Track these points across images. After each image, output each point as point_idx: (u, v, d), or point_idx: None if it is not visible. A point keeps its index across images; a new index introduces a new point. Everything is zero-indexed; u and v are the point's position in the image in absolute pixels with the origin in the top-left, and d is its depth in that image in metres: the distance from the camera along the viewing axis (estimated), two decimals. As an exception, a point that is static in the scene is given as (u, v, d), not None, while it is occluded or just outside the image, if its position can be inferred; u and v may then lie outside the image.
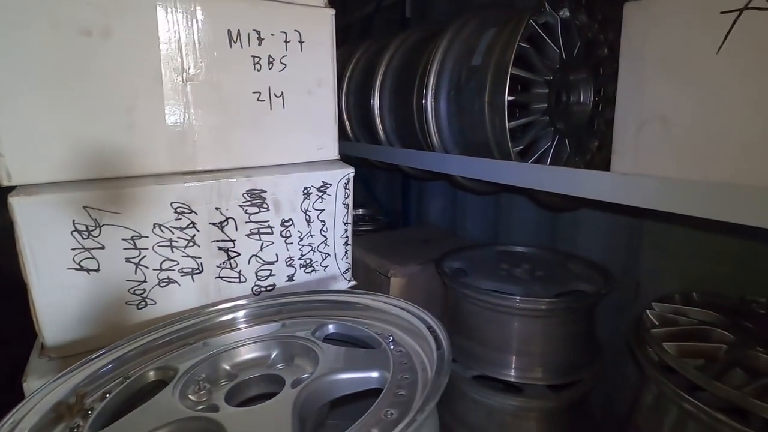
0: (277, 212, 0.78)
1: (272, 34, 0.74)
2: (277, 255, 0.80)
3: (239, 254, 0.76)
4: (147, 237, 0.68)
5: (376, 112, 1.49)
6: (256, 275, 0.79)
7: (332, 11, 0.80)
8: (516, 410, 1.23)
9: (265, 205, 0.77)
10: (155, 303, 0.70)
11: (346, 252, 0.88)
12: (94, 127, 0.64)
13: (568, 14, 1.08)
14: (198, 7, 0.67)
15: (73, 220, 0.62)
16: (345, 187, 0.84)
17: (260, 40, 0.73)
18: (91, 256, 0.64)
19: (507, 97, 0.99)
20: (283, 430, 0.42)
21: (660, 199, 0.71)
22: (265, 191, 0.76)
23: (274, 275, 0.80)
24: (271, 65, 0.75)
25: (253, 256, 0.78)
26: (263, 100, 0.76)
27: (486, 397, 1.24)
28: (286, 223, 0.79)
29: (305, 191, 0.80)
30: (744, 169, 0.63)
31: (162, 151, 0.69)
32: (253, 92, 0.75)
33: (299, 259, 0.82)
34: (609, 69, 1.14)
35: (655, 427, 0.89)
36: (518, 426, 1.25)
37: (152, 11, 0.64)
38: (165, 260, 0.70)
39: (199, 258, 0.73)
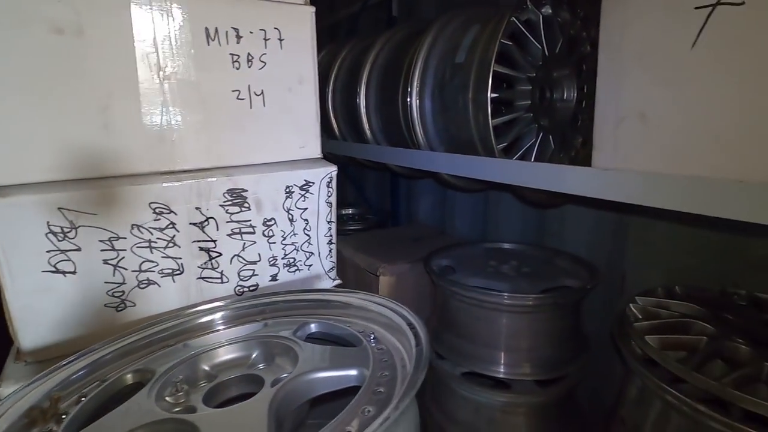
0: (259, 211, 0.77)
1: (251, 32, 0.73)
2: (259, 255, 0.79)
3: (221, 254, 0.76)
4: (125, 238, 0.67)
5: (363, 110, 1.48)
6: (239, 275, 0.78)
7: (312, 8, 0.80)
8: (504, 406, 1.23)
9: (246, 205, 0.76)
10: (135, 305, 0.69)
11: (330, 251, 0.87)
12: (68, 126, 0.63)
13: (550, 11, 1.09)
14: (174, 5, 0.67)
15: (48, 222, 0.61)
16: (328, 186, 0.84)
17: (239, 38, 0.72)
18: (67, 258, 0.63)
19: (490, 94, 0.99)
20: (259, 431, 0.41)
21: (639, 194, 0.71)
22: (247, 190, 0.75)
23: (257, 275, 0.80)
24: (250, 63, 0.74)
25: (235, 256, 0.77)
26: (243, 99, 0.75)
27: (474, 394, 1.24)
28: (268, 223, 0.79)
29: (287, 190, 0.79)
30: (719, 163, 0.64)
31: (139, 150, 0.68)
32: (233, 91, 0.74)
33: (282, 258, 0.82)
34: (592, 65, 1.15)
35: (639, 420, 0.90)
36: (507, 421, 1.26)
37: (126, 9, 0.63)
38: (144, 261, 0.69)
39: (180, 259, 0.72)
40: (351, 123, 1.61)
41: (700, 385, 0.71)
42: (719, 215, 0.61)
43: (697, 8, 0.62)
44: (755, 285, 1.00)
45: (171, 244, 0.70)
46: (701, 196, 0.64)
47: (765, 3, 0.56)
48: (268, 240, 0.79)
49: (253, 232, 0.78)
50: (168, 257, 0.71)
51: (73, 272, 0.64)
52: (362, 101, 1.48)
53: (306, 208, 0.82)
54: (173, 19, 0.67)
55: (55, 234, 0.62)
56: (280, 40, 0.76)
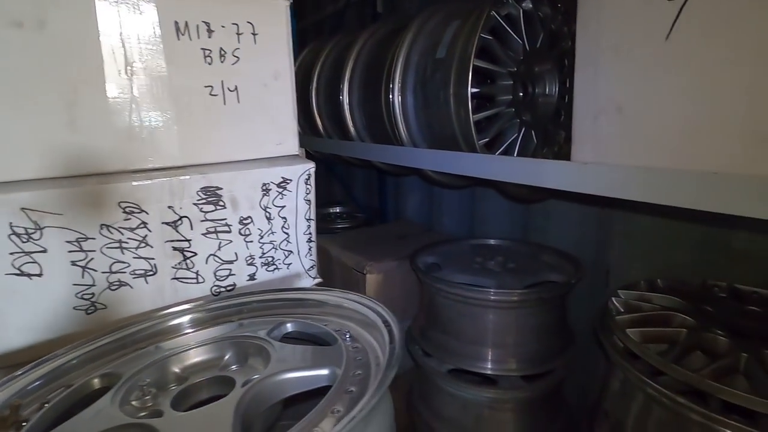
0: (235, 210, 0.76)
1: (223, 26, 0.72)
2: (236, 254, 0.78)
3: (196, 254, 0.74)
4: (93, 239, 0.65)
5: (346, 107, 1.47)
6: (215, 275, 0.76)
7: (287, 2, 0.78)
8: (491, 402, 1.23)
9: (221, 203, 0.74)
10: (106, 307, 0.68)
11: (309, 249, 0.86)
12: (30, 124, 0.60)
13: (530, 6, 1.08)
14: (141, -2, 0.65)
15: (10, 223, 0.59)
16: (306, 183, 0.82)
17: (210, 32, 0.71)
18: (32, 260, 0.61)
19: (470, 89, 0.98)
20: (224, 434, 0.40)
21: (617, 187, 0.71)
22: (221, 188, 0.74)
23: (234, 275, 0.78)
24: (223, 58, 0.73)
25: (210, 255, 0.75)
26: (216, 95, 0.73)
27: (461, 391, 1.24)
28: (244, 221, 0.77)
29: (264, 187, 0.78)
30: (695, 155, 0.64)
31: (107, 148, 0.66)
32: (205, 86, 0.72)
33: (260, 257, 0.80)
34: (573, 60, 1.15)
35: (622, 413, 0.90)
36: (494, 417, 1.26)
37: (90, 2, 0.61)
38: (115, 262, 0.67)
39: (153, 259, 0.70)
40: (335, 120, 1.60)
41: (679, 377, 0.72)
42: (694, 207, 0.61)
43: (670, 0, 0.62)
44: (736, 277, 1.01)
45: (143, 245, 0.69)
46: (677, 189, 0.63)
47: (736, -7, 0.56)
48: (245, 239, 0.78)
49: (230, 231, 0.76)
50: (140, 258, 0.69)
51: (39, 275, 0.62)
52: (345, 98, 1.46)
53: (284, 206, 0.81)
54: (141, 13, 0.65)
55: (18, 235, 0.60)
56: (254, 34, 0.74)
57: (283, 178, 0.80)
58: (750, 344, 0.74)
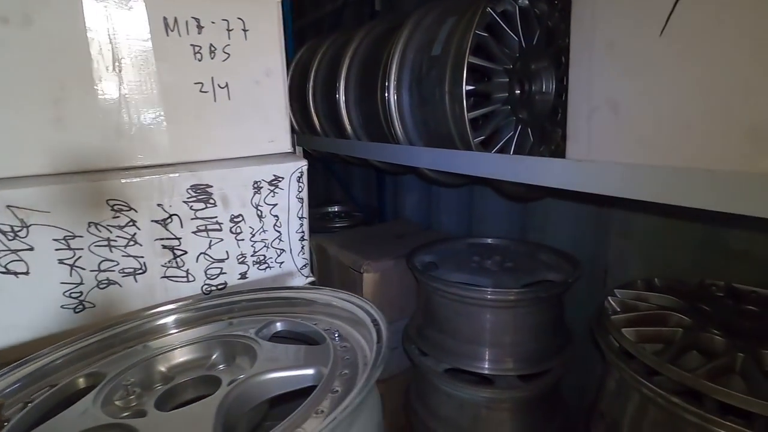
0: (226, 208, 0.75)
1: (213, 22, 0.71)
2: (227, 252, 0.77)
3: (186, 252, 0.73)
4: (81, 236, 0.64)
5: (342, 105, 1.46)
6: (206, 274, 0.76)
7: (278, -1, 0.78)
8: (488, 402, 1.23)
9: (212, 201, 0.74)
10: (94, 306, 0.67)
11: (302, 247, 0.85)
12: (17, 120, 0.60)
13: (527, 2, 1.07)
14: (129, -6, 0.64)
15: (-4, 221, 0.58)
16: (298, 181, 0.82)
17: (200, 28, 0.70)
18: (18, 258, 0.61)
19: (465, 87, 0.98)
20: (205, 434, 0.39)
21: (612, 185, 0.70)
22: (212, 186, 0.73)
23: (225, 273, 0.78)
24: (213, 55, 0.72)
25: (201, 254, 0.75)
26: (206, 91, 0.73)
27: (458, 390, 1.23)
28: (235, 219, 0.77)
29: (255, 185, 0.77)
30: (689, 152, 0.63)
31: (95, 145, 0.66)
32: (195, 83, 0.72)
33: (252, 255, 0.80)
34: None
35: (617, 413, 0.89)
36: (491, 417, 1.25)
37: (77, -3, 0.61)
38: (103, 261, 0.67)
39: (142, 257, 0.70)
40: (332, 118, 1.59)
41: (674, 377, 0.71)
42: (689, 205, 0.60)
43: (665, -6, 0.61)
44: (735, 276, 1.00)
45: (132, 243, 0.68)
46: (672, 187, 0.62)
47: (731, -12, 0.55)
48: (236, 237, 0.77)
49: (220, 229, 0.75)
50: (129, 256, 0.68)
51: (26, 273, 0.61)
52: (342, 96, 1.46)
53: (276, 204, 0.80)
54: (129, 9, 0.65)
55: (4, 233, 0.59)
56: (245, 30, 0.74)
57: (274, 175, 0.79)
58: (747, 344, 0.73)
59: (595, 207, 1.31)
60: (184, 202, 0.71)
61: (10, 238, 0.59)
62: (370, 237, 1.85)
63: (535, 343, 1.21)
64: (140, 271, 0.70)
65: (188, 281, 0.74)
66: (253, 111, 0.78)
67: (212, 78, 0.73)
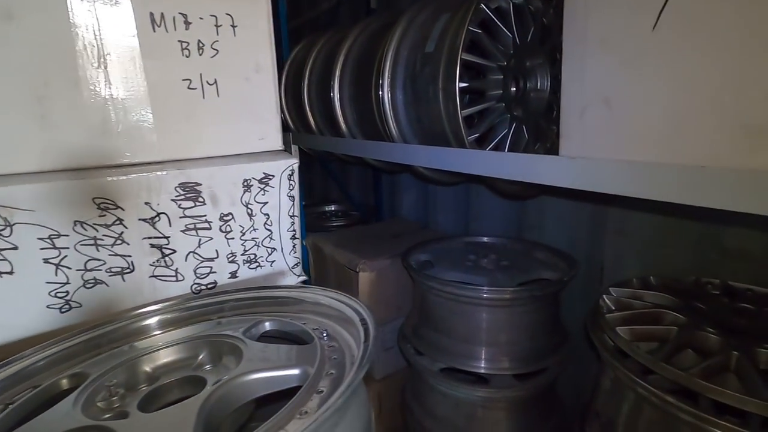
0: (215, 206, 0.74)
1: (201, 18, 0.70)
2: (217, 251, 0.76)
3: (175, 251, 0.72)
4: (67, 235, 0.63)
5: (337, 103, 1.45)
6: (195, 273, 0.75)
7: (268, -6, 0.77)
8: (483, 401, 1.22)
9: (200, 199, 0.73)
10: (81, 306, 0.66)
11: (294, 246, 0.84)
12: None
13: (521, -1, 1.06)
14: (115, -11, 0.63)
15: (-21, 220, 0.58)
16: (289, 179, 0.81)
17: (187, 24, 0.69)
18: (2, 257, 0.60)
19: (459, 84, 0.97)
20: (185, 436, 0.39)
21: (606, 182, 0.69)
22: (200, 184, 0.72)
23: (215, 272, 0.77)
24: (201, 51, 0.71)
25: (190, 252, 0.74)
26: (195, 88, 0.72)
27: (453, 390, 1.23)
28: (225, 218, 0.76)
29: (245, 183, 0.76)
30: (682, 148, 0.62)
31: (81, 143, 0.65)
32: (183, 80, 0.71)
33: (242, 254, 0.79)
34: (565, 54, 1.13)
35: (612, 412, 0.88)
36: (486, 417, 1.24)
37: (61, -8, 0.60)
38: (90, 260, 0.66)
39: (129, 256, 0.69)
40: (327, 117, 1.58)
41: (668, 376, 0.70)
42: (682, 202, 0.59)
43: (657, -12, 0.60)
44: (731, 274, 1.00)
45: (119, 242, 0.67)
46: (665, 183, 0.62)
47: (724, -20, 0.54)
48: (225, 236, 0.76)
49: (210, 228, 0.75)
50: (116, 255, 0.67)
51: (10, 272, 0.60)
52: (336, 95, 1.45)
53: (266, 202, 0.79)
54: (115, 4, 0.64)
55: (-13, 232, 0.58)
56: (233, 26, 0.73)
57: (264, 173, 0.78)
58: (742, 342, 0.72)
59: (591, 205, 1.31)
60: (173, 200, 0.70)
61: (-7, 237, 0.59)
62: (366, 236, 1.84)
63: (530, 342, 1.20)
64: (128, 271, 0.69)
65: (177, 280, 0.73)
66: (243, 108, 0.77)
67: (201, 75, 0.72)
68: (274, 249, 0.82)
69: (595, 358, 1.32)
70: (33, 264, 0.62)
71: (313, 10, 2.48)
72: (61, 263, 0.63)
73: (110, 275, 0.67)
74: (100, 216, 0.65)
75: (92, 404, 0.46)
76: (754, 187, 0.54)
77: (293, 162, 0.81)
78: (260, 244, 0.80)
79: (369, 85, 1.25)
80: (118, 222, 0.66)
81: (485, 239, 1.55)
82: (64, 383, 0.52)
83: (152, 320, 0.63)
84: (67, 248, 0.64)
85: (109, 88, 0.65)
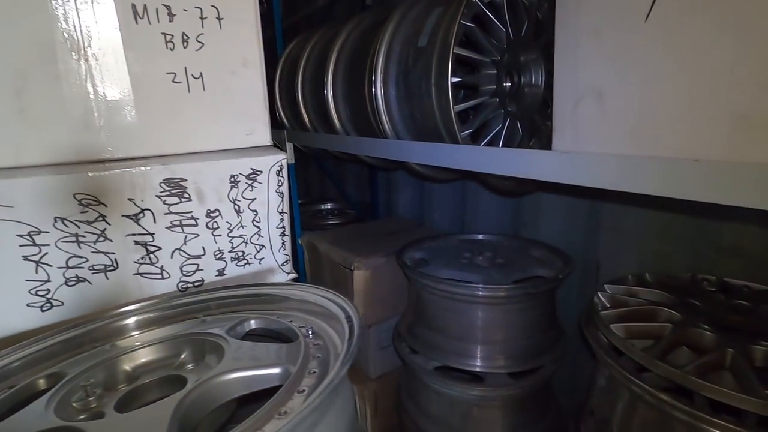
0: (201, 202, 0.73)
1: (185, 10, 0.68)
2: (203, 248, 0.75)
3: (160, 248, 0.71)
4: (47, 232, 0.62)
5: (330, 100, 1.44)
6: (181, 270, 0.74)
7: (255, -14, 0.75)
8: (478, 400, 1.21)
9: (186, 195, 0.71)
10: (63, 304, 0.65)
11: (283, 243, 0.83)
12: (-25, 111, 0.57)
13: (515, -8, 1.05)
14: (96, -20, 0.62)
15: (-45, 216, 0.56)
16: (278, 175, 0.79)
17: (171, 16, 0.67)
18: (-20, 254, 0.58)
19: (451, 79, 0.95)
20: (159, 437, 0.37)
21: (598, 177, 0.68)
22: (186, 180, 0.71)
23: (201, 270, 0.75)
24: (186, 44, 0.69)
25: (176, 250, 0.73)
26: (179, 82, 0.70)
27: (447, 388, 1.22)
28: (212, 214, 0.74)
29: (232, 179, 0.75)
30: (676, 142, 0.61)
31: (61, 137, 0.63)
32: (168, 73, 0.69)
33: (230, 251, 0.77)
34: (559, 48, 1.11)
35: (607, 410, 0.87)
36: (481, 415, 1.23)
37: (39, -17, 0.58)
38: (71, 257, 0.64)
39: (113, 254, 0.67)
40: (320, 114, 1.57)
41: (662, 374, 0.69)
42: (676, 196, 0.58)
43: (650, -22, 0.59)
44: (728, 270, 0.99)
45: (102, 238, 0.66)
46: (658, 178, 0.60)
47: (717, -31, 0.53)
48: (212, 232, 0.75)
49: (196, 225, 0.73)
50: (99, 252, 0.66)
51: (-12, 270, 0.59)
52: (329, 91, 1.43)
53: (254, 199, 0.78)
54: (95, -5, 0.62)
55: (-36, 228, 0.57)
56: (219, 19, 0.71)
57: (252, 169, 0.77)
58: (737, 339, 0.71)
59: (586, 202, 1.29)
60: (157, 196, 0.69)
61: (-30, 233, 0.57)
62: (361, 234, 1.83)
63: (526, 339, 1.19)
64: (111, 268, 0.67)
65: (163, 278, 0.72)
66: (230, 102, 0.76)
67: (185, 68, 0.70)
68: (263, 246, 0.81)
69: (590, 356, 1.31)
70: (12, 261, 0.60)
71: (309, 6, 2.47)
72: (42, 260, 0.62)
73: (93, 273, 0.66)
74: (81, 212, 0.63)
75: (67, 405, 0.45)
76: (750, 181, 0.53)
77: (282, 158, 0.79)
78: (248, 241, 0.79)
79: (362, 82, 1.24)
80: (100, 218, 0.65)
81: (480, 237, 1.53)
82: (41, 383, 0.51)
83: (135, 319, 0.62)
84: (48, 245, 0.62)
85: (91, 81, 0.64)
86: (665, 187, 0.59)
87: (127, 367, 0.53)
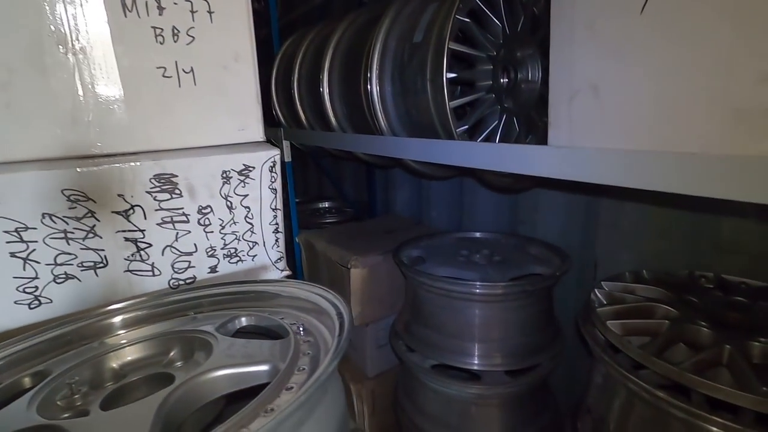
0: (193, 198, 0.72)
1: (175, 3, 0.68)
2: (195, 245, 0.74)
3: (150, 245, 0.70)
4: (35, 228, 0.61)
5: (326, 97, 1.43)
6: (173, 267, 0.73)
7: (246, -21, 0.74)
8: (475, 398, 1.20)
9: (177, 191, 0.71)
10: (51, 301, 0.64)
11: (276, 240, 0.82)
12: (-40, 106, 0.57)
13: (511, -13, 1.04)
14: (83, -28, 0.61)
15: (-61, 212, 0.55)
16: (271, 171, 0.78)
17: (161, 9, 0.67)
18: (-35, 251, 0.57)
19: (447, 74, 0.94)
20: (141, 435, 0.36)
21: (592, 171, 0.67)
22: (177, 176, 0.70)
23: (193, 267, 0.74)
24: (176, 37, 0.68)
25: (167, 246, 0.72)
26: (170, 76, 0.69)
27: (444, 387, 1.21)
28: (204, 210, 0.73)
29: (224, 175, 0.74)
30: (671, 136, 0.60)
31: (50, 133, 0.62)
32: (157, 67, 0.68)
33: (222, 248, 0.77)
34: (556, 44, 1.10)
35: (604, 408, 0.86)
36: (478, 414, 1.22)
37: (25, -25, 0.58)
38: (60, 254, 0.63)
39: (102, 250, 0.66)
40: (317, 111, 1.56)
41: (659, 371, 0.68)
42: (672, 191, 0.57)
43: (645, -31, 0.58)
44: (726, 267, 0.98)
45: (91, 235, 0.65)
46: (654, 172, 0.60)
47: (713, -41, 0.52)
48: (204, 229, 0.74)
49: (187, 221, 0.72)
50: (88, 249, 0.65)
51: (-26, 267, 0.58)
52: (325, 89, 1.42)
53: (246, 195, 0.77)
54: (83, -12, 0.61)
55: (-51, 225, 0.56)
56: (210, 12, 0.70)
57: (244, 165, 0.76)
58: (734, 336, 0.70)
59: (584, 199, 1.29)
60: (147, 192, 0.68)
61: (-45, 229, 0.56)
62: (359, 232, 1.82)
63: (523, 337, 1.18)
64: (101, 265, 0.67)
65: (154, 275, 0.71)
66: (222, 97, 0.75)
67: (176, 62, 0.69)
68: (256, 243, 0.80)
69: (588, 354, 1.30)
70: (-1, 258, 0.59)
71: (306, 4, 2.46)
72: (30, 257, 0.61)
73: (82, 270, 0.65)
74: (70, 208, 0.62)
75: (51, 403, 0.44)
76: (747, 174, 0.52)
77: (274, 153, 0.78)
78: (241, 238, 0.78)
79: (358, 78, 1.23)
80: (89, 215, 0.64)
81: (478, 235, 1.53)
82: (26, 382, 0.50)
83: (124, 316, 0.61)
84: (36, 241, 0.61)
85: (79, 75, 0.63)
86: (662, 181, 0.59)
87: (114, 365, 0.52)
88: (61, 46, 0.61)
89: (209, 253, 0.75)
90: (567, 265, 1.17)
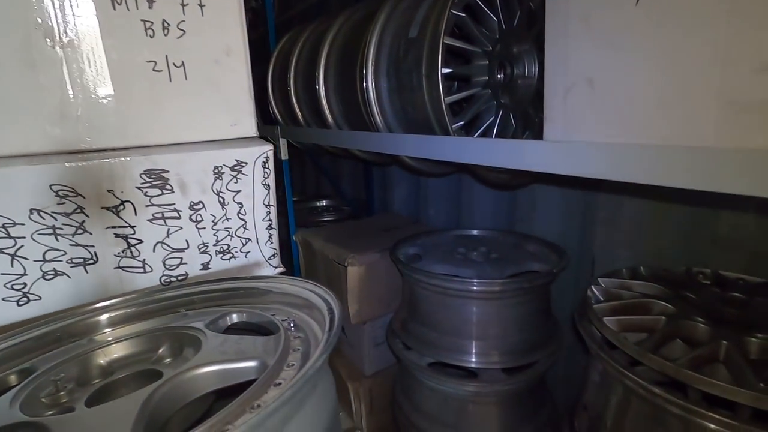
0: (184, 194, 0.71)
1: (165, -4, 0.67)
2: (187, 241, 0.73)
3: (141, 241, 0.69)
4: (23, 224, 0.60)
5: (322, 94, 1.42)
6: (164, 264, 0.72)
7: (237, -28, 0.73)
8: (472, 396, 1.19)
9: (168, 187, 0.70)
10: (40, 298, 0.63)
11: (270, 236, 0.81)
12: (-55, 99, 0.56)
13: (507, -18, 1.03)
14: (71, -36, 0.60)
15: (-76, 207, 0.54)
16: (264, 166, 0.78)
17: (150, 2, 0.66)
18: (-48, 247, 0.57)
19: (442, 70, 0.94)
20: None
21: (587, 166, 0.67)
22: (168, 171, 0.69)
23: (185, 263, 0.74)
24: (166, 31, 0.68)
25: (158, 243, 0.71)
26: (160, 71, 0.68)
27: (441, 384, 1.20)
28: (195, 206, 0.73)
29: (216, 171, 0.73)
30: (666, 128, 0.59)
31: (37, 127, 0.61)
32: (147, 61, 0.68)
33: (215, 245, 0.76)
34: (553, 39, 1.10)
35: (601, 405, 0.86)
36: (476, 411, 1.22)
37: (11, -33, 0.57)
38: (49, 250, 0.63)
39: (92, 247, 0.66)
40: (313, 108, 1.55)
41: (655, 367, 0.67)
42: (668, 184, 0.56)
43: (640, -41, 0.58)
44: (723, 263, 0.97)
45: (80, 231, 0.64)
46: (649, 166, 0.59)
47: (709, -52, 0.52)
48: (196, 225, 0.73)
49: (179, 217, 0.71)
50: (77, 245, 0.64)
51: (-39, 263, 0.57)
52: (321, 85, 1.41)
53: (239, 191, 0.76)
54: (71, -20, 0.60)
55: (-66, 220, 0.55)
56: (201, 5, 0.69)
57: (237, 160, 0.75)
58: (731, 331, 0.70)
59: (581, 196, 1.28)
60: (138, 187, 0.67)
61: (-59, 225, 0.55)
62: (356, 231, 1.82)
63: (520, 335, 1.18)
64: (91, 262, 0.66)
65: (145, 272, 0.70)
66: (213, 92, 0.74)
67: (166, 56, 0.68)
68: (249, 239, 0.79)
69: (585, 351, 1.29)
70: (-14, 254, 0.59)
71: (303, 2, 2.45)
72: (17, 253, 0.60)
73: (72, 266, 0.64)
74: (58, 204, 0.62)
75: (35, 400, 0.43)
76: (744, 167, 0.51)
77: (267, 149, 0.77)
78: (234, 235, 0.77)
79: (353, 75, 1.22)
80: (78, 210, 0.63)
81: (475, 232, 1.52)
82: (12, 379, 0.49)
83: (114, 313, 0.60)
84: (24, 237, 0.60)
85: (67, 69, 0.62)
86: (657, 175, 0.58)
87: (102, 362, 0.52)
88: (48, 39, 0.60)
89: (201, 250, 0.75)
90: (564, 262, 1.16)
